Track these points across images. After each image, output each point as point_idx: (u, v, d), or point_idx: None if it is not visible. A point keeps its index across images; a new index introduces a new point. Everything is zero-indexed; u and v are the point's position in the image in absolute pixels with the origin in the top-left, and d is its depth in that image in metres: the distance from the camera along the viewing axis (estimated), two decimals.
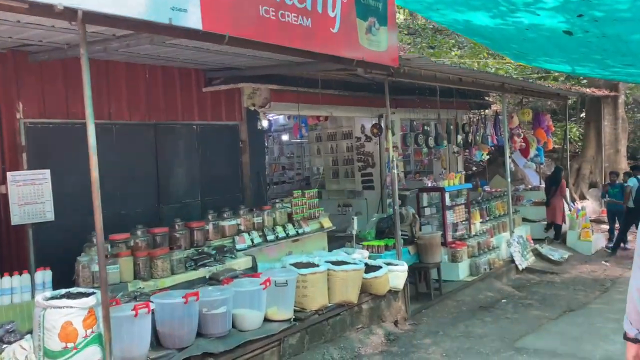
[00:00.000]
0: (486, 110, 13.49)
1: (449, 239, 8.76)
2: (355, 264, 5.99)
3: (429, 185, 9.29)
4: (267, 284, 4.96)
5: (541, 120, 11.66)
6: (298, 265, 5.66)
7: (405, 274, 6.63)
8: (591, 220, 14.36)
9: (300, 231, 6.64)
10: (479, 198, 10.78)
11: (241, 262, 5.61)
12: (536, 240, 11.14)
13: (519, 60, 9.33)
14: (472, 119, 11.00)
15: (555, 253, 10.32)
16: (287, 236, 6.46)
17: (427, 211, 9.33)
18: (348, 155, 11.89)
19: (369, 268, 6.31)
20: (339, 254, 6.65)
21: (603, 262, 10.42)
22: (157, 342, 4.40)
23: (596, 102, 15.45)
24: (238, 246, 5.87)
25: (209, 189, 7.67)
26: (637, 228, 11.16)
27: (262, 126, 8.50)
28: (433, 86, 9.44)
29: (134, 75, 6.77)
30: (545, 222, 11.58)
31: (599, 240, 11.58)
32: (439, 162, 13.39)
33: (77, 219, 6.10)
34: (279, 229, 6.42)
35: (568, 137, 13.07)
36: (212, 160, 7.73)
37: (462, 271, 8.66)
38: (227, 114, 8.01)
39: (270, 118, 12.33)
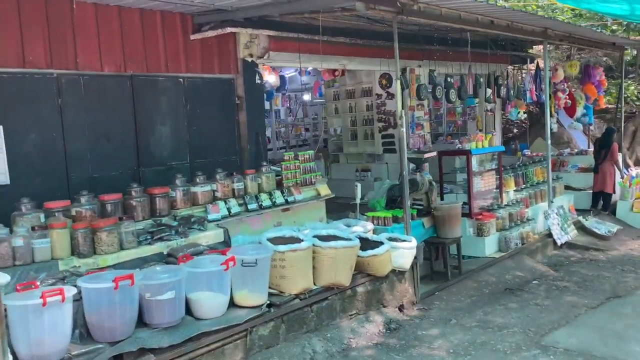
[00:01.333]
0: (529, 65, 11.95)
1: (475, 209, 7.64)
2: (348, 239, 5.04)
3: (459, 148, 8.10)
4: (231, 263, 4.09)
5: (591, 74, 10.09)
6: (277, 240, 4.76)
7: (414, 252, 5.63)
8: None
9: (290, 199, 5.70)
10: (518, 163, 9.57)
11: (210, 236, 4.74)
12: (580, 212, 9.83)
13: (565, 1, 7.86)
14: (508, 72, 9.58)
15: (602, 226, 9.00)
16: (274, 205, 5.55)
17: (452, 177, 8.23)
18: (368, 114, 10.78)
19: (368, 244, 5.35)
20: (337, 227, 5.72)
21: None
22: (88, 333, 3.64)
23: None
24: (210, 216, 5.01)
25: (200, 151, 6.84)
26: None
27: (261, 80, 7.52)
28: (465, 35, 8.19)
29: (106, 18, 5.89)
30: (592, 192, 10.15)
31: None
32: (474, 122, 12.13)
33: (36, 182, 5.41)
34: (264, 196, 5.50)
35: (623, 94, 11.40)
36: (203, 118, 6.86)
37: (489, 246, 7.56)
38: (220, 65, 7.06)
39: (285, 74, 11.32)
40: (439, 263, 6.82)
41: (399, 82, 5.66)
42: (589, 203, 10.17)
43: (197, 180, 5.20)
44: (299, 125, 14.94)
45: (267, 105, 13.35)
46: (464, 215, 7.58)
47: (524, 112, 9.21)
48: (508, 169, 9.00)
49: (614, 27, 14.86)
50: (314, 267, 4.83)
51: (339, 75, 10.71)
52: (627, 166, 13.13)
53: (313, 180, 6.13)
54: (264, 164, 5.94)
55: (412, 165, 8.16)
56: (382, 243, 5.38)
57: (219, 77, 7.07)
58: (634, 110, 14.98)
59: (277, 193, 5.62)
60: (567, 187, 10.55)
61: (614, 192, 9.89)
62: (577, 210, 9.84)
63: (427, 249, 6.77)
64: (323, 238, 5.01)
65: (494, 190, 8.25)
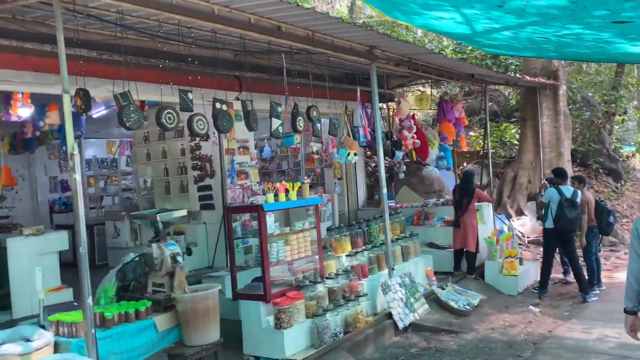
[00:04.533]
0: (389, 103, 10.32)
1: (272, 289, 5.39)
2: None
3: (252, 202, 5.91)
4: None
5: (447, 110, 8.46)
6: None
7: None
8: (529, 242, 11.34)
9: None
10: (378, 215, 7.65)
11: None
12: (445, 275, 7.93)
13: (391, 13, 6.15)
14: (345, 107, 7.70)
15: (461, 298, 7.05)
16: None
17: (252, 243, 6.02)
18: (182, 161, 8.46)
19: None
20: None
21: (531, 307, 7.24)
22: None
23: (532, 95, 12.56)
24: None
25: None
26: (565, 255, 8.04)
27: None
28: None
29: None
30: (452, 251, 8.32)
31: (529, 272, 8.40)
32: (331, 170, 10.24)
33: None
34: None
35: (489, 133, 9.98)
36: None
37: (293, 343, 5.26)
38: None
39: (93, 114, 8.84)
40: None
41: (67, 98, 3.39)
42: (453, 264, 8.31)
43: None
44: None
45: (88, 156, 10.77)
46: (258, 298, 5.35)
47: (355, 154, 7.27)
48: (342, 227, 6.97)
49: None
50: None
51: (146, 109, 8.41)
52: (508, 216, 11.69)
53: None
54: None
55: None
56: None
57: None
58: (513, 155, 13.83)
59: None
60: (432, 245, 8.72)
61: (478, 252, 8.06)
62: (440, 274, 7.93)
63: None
64: None
65: (315, 258, 6.11)
